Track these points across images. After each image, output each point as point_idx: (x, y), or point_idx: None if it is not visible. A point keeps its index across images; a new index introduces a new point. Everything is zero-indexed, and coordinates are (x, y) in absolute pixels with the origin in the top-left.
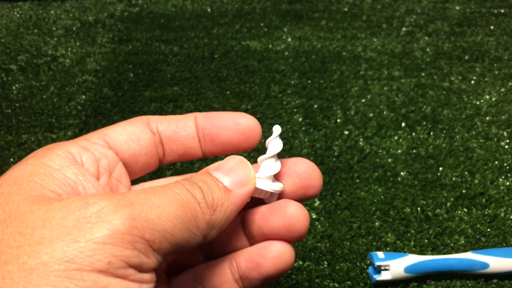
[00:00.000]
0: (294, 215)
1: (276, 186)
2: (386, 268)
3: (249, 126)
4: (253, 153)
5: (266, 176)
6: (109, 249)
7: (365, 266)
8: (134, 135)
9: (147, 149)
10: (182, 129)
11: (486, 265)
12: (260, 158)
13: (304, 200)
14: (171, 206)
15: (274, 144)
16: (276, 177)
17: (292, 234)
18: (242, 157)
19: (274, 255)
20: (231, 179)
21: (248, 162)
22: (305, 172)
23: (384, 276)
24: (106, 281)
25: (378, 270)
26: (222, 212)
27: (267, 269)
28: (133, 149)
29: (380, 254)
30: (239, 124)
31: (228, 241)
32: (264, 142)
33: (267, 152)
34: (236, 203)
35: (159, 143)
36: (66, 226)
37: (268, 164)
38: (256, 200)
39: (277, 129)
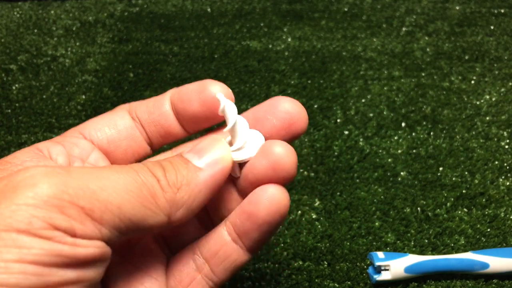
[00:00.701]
0: (279, 153)
1: (249, 153)
2: (386, 268)
3: (211, 96)
4: None
5: (237, 148)
6: (30, 211)
7: (365, 266)
8: (111, 121)
9: (127, 133)
10: (156, 109)
11: (486, 265)
12: (224, 131)
13: (292, 140)
14: (121, 180)
15: (229, 109)
16: (253, 126)
17: (279, 174)
18: (216, 135)
19: (265, 198)
20: (202, 158)
21: (223, 140)
22: (283, 111)
23: (384, 276)
24: (27, 240)
25: (378, 270)
26: (188, 192)
27: (262, 215)
28: (110, 135)
29: (380, 254)
30: (201, 93)
31: (223, 206)
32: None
33: (227, 122)
34: (207, 182)
35: (141, 127)
36: None
37: (235, 134)
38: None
39: (221, 96)
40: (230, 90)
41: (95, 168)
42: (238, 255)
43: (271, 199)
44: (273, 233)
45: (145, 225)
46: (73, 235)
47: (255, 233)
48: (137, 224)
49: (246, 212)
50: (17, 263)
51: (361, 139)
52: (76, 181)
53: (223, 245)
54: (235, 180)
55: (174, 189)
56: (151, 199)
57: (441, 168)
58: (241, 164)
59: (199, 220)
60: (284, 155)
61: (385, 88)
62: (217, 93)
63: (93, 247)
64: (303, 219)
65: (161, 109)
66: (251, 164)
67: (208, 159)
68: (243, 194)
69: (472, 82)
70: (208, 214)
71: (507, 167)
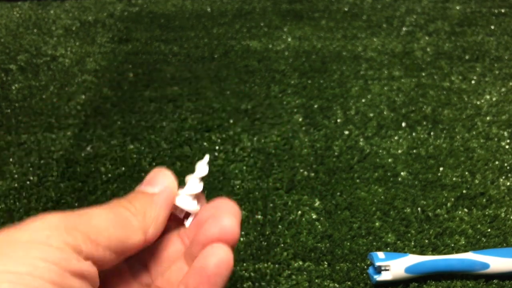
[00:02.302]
0: (226, 225)
1: (193, 207)
2: (387, 268)
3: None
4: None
5: (187, 194)
6: (46, 231)
7: (365, 267)
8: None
9: None
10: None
11: (486, 265)
12: (186, 177)
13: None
14: (103, 213)
15: (201, 167)
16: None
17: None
18: (162, 168)
19: (213, 253)
20: (155, 186)
21: (168, 172)
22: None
23: (385, 276)
24: (48, 249)
25: (379, 270)
26: (152, 213)
27: (211, 268)
28: None
29: (381, 255)
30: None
31: (175, 276)
32: None
33: (194, 173)
34: (161, 202)
35: None
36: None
37: (192, 184)
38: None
39: (206, 157)
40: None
41: (87, 209)
42: None
43: (218, 254)
44: (221, 286)
45: (129, 243)
46: (79, 252)
47: (205, 287)
48: (123, 242)
49: (197, 268)
50: (42, 262)
51: (361, 139)
52: (72, 216)
53: None
54: (186, 250)
55: (141, 214)
56: (128, 223)
57: (441, 168)
58: (186, 215)
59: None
60: (230, 226)
61: (385, 88)
62: (206, 155)
63: (90, 269)
64: (303, 219)
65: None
66: (204, 229)
67: (159, 186)
68: (192, 259)
69: (473, 82)
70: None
71: (508, 167)
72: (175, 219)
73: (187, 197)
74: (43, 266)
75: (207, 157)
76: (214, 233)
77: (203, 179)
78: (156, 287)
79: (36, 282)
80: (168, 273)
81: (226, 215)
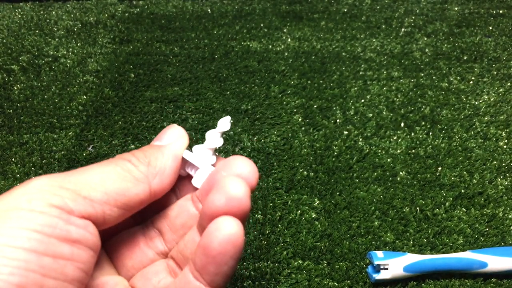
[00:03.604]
0: (235, 191)
1: (201, 162)
2: (385, 267)
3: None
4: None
5: (205, 148)
6: (29, 195)
7: (364, 266)
8: None
9: None
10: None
11: (484, 264)
12: (206, 133)
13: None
14: (98, 167)
15: (223, 123)
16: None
17: (234, 209)
18: (173, 124)
19: (217, 230)
20: (163, 139)
21: (178, 127)
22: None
23: (384, 275)
24: (30, 214)
25: (377, 269)
26: (159, 162)
27: (214, 247)
28: None
29: (379, 254)
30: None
31: (187, 248)
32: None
33: (215, 129)
34: (168, 153)
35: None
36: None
37: (211, 138)
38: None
39: (228, 117)
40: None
41: (79, 168)
42: None
43: (222, 230)
44: (231, 265)
45: (131, 195)
46: (69, 212)
47: (211, 267)
48: (123, 195)
49: (201, 246)
50: (23, 230)
51: (360, 139)
52: (60, 175)
53: (187, 284)
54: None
55: (145, 164)
56: (127, 174)
57: (440, 168)
58: (199, 175)
59: (168, 270)
60: (239, 192)
61: (384, 89)
62: (226, 118)
63: (85, 230)
64: (303, 218)
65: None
66: (209, 199)
67: (168, 139)
68: (203, 231)
69: (471, 82)
70: (177, 261)
71: (506, 167)
72: (190, 181)
73: (199, 153)
74: (22, 234)
75: (228, 117)
76: (219, 205)
77: (224, 135)
78: (171, 258)
79: (17, 253)
80: (183, 244)
81: (234, 182)
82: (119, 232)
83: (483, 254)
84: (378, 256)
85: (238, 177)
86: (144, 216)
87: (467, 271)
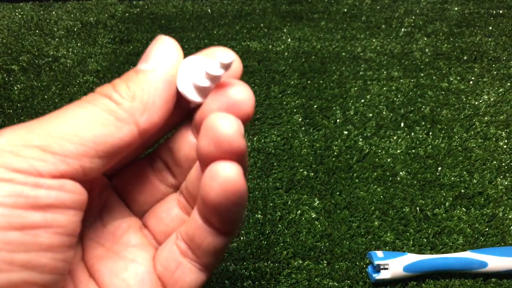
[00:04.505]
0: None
1: (196, 96)
2: (385, 267)
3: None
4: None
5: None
6: None
7: (364, 266)
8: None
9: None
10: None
11: (484, 264)
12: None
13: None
14: (71, 111)
15: (216, 67)
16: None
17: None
18: (162, 37)
19: (213, 178)
20: (149, 61)
21: (169, 41)
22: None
23: (384, 275)
24: None
25: (377, 269)
26: (144, 94)
27: (212, 198)
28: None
29: (379, 253)
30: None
31: (192, 181)
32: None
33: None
34: (156, 80)
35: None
36: None
37: (208, 65)
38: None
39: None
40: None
41: (52, 112)
42: (211, 239)
43: (217, 179)
44: (236, 212)
45: (115, 141)
46: (38, 174)
47: (215, 217)
48: (105, 143)
49: (200, 198)
50: None
51: (360, 139)
52: (27, 128)
53: (197, 229)
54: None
55: (129, 98)
56: (108, 116)
57: (439, 168)
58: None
59: (181, 207)
60: (228, 131)
61: (384, 89)
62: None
63: (60, 191)
64: (303, 218)
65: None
66: (198, 144)
67: (155, 60)
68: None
69: (471, 82)
70: (188, 198)
71: (505, 167)
72: (185, 106)
73: (191, 84)
74: None
75: (231, 55)
76: (209, 147)
77: (216, 79)
78: (182, 193)
79: None
80: (190, 181)
81: (221, 118)
82: (126, 165)
83: (483, 254)
84: (378, 256)
85: (229, 108)
86: (147, 144)
87: (467, 271)
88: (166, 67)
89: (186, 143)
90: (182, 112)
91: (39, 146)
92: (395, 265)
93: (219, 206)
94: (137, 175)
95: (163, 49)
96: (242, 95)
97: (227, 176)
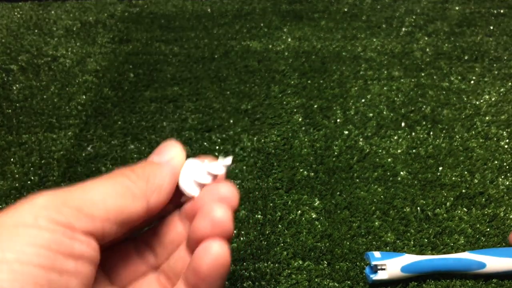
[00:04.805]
0: (218, 216)
1: (193, 191)
2: (383, 267)
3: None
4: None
5: (193, 179)
6: (33, 212)
7: (364, 266)
8: None
9: None
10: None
11: (483, 265)
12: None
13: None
14: (98, 184)
15: (219, 167)
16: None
17: (219, 232)
18: (171, 140)
19: (206, 253)
20: (161, 156)
21: (176, 144)
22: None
23: (381, 275)
24: (36, 231)
25: (375, 269)
26: (157, 179)
27: (204, 270)
28: None
29: (377, 254)
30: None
31: (179, 265)
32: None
33: (211, 167)
34: (166, 171)
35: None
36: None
37: (200, 171)
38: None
39: (230, 158)
40: None
41: (80, 183)
42: None
43: (210, 254)
44: (220, 283)
45: (130, 212)
46: (73, 229)
47: (203, 286)
48: (122, 212)
49: (191, 268)
50: (30, 246)
51: (361, 139)
52: (63, 192)
53: None
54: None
55: (144, 180)
56: (127, 191)
57: (440, 168)
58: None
59: (160, 285)
60: (222, 217)
61: (384, 88)
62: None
63: (87, 246)
64: (303, 218)
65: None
66: (195, 225)
67: (166, 156)
68: (192, 251)
69: (472, 82)
70: (168, 277)
71: (507, 167)
72: (176, 200)
73: (191, 180)
74: (31, 251)
75: (230, 159)
76: (205, 228)
77: (215, 177)
78: (163, 272)
79: (25, 268)
80: (173, 261)
81: (217, 206)
82: (112, 245)
83: (482, 254)
84: (376, 256)
85: (221, 201)
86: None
87: (465, 272)
88: (174, 163)
89: (172, 230)
90: (171, 206)
91: (75, 207)
92: (392, 265)
93: (208, 278)
94: (121, 255)
95: (173, 149)
96: (230, 191)
97: (218, 252)
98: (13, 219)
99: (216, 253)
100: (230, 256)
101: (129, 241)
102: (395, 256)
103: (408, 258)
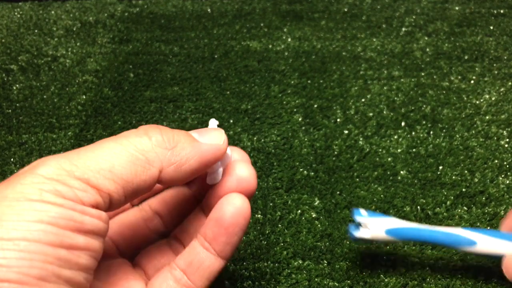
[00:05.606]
0: (242, 174)
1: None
2: (367, 226)
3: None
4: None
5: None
6: (38, 186)
7: (364, 265)
8: None
9: None
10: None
11: (473, 243)
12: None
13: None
14: (110, 146)
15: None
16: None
17: (243, 189)
18: (220, 129)
19: (229, 203)
20: (203, 137)
21: (223, 132)
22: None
23: (364, 233)
24: (43, 206)
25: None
26: (183, 153)
27: (227, 218)
28: None
29: (363, 212)
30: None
31: (193, 227)
32: None
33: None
34: (202, 152)
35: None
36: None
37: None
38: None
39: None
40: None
41: (90, 145)
42: (210, 262)
43: (234, 204)
44: (240, 236)
45: (139, 181)
46: (82, 203)
47: (223, 237)
48: (131, 182)
49: (213, 219)
50: (37, 223)
51: (361, 139)
52: (70, 159)
53: (196, 255)
54: (205, 200)
55: (168, 145)
56: (139, 156)
57: (440, 167)
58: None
59: (171, 248)
60: (247, 175)
61: (384, 88)
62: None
63: (98, 219)
64: (303, 218)
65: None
66: (222, 182)
67: (207, 139)
68: (209, 211)
69: (472, 81)
70: (179, 241)
71: (507, 166)
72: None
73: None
74: (38, 227)
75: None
76: (231, 184)
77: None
78: (174, 237)
79: (32, 246)
80: (186, 224)
81: (243, 166)
82: (118, 213)
83: (474, 232)
84: (361, 213)
85: (245, 161)
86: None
87: (453, 247)
88: (214, 149)
89: (182, 194)
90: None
91: (81, 178)
92: (377, 225)
93: (230, 227)
94: (127, 221)
95: (218, 135)
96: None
97: (242, 203)
98: (17, 193)
99: (240, 203)
100: (250, 210)
101: (135, 208)
102: (381, 216)
103: (395, 222)
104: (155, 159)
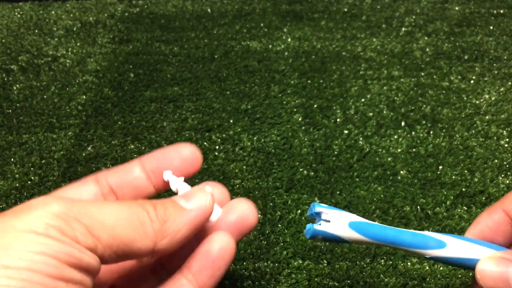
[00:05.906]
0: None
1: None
2: (328, 219)
3: (191, 153)
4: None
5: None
6: (45, 220)
7: (364, 265)
8: (77, 193)
9: (94, 199)
10: (129, 173)
11: (442, 244)
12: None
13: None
14: (115, 208)
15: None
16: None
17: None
18: (205, 187)
19: (218, 239)
20: (189, 202)
21: (209, 192)
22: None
23: (325, 226)
24: (47, 240)
25: (319, 221)
26: (174, 225)
27: (215, 251)
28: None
29: (322, 204)
30: (181, 152)
31: (180, 256)
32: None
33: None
34: (191, 220)
35: (110, 193)
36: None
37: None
38: None
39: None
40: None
41: (95, 201)
42: None
43: (222, 241)
44: (222, 271)
45: (134, 248)
46: (81, 244)
47: (208, 270)
48: (127, 245)
49: (200, 252)
50: (40, 255)
51: (360, 138)
52: (79, 206)
53: (179, 287)
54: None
55: (161, 221)
56: (140, 226)
57: (440, 167)
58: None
59: (155, 276)
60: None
61: (384, 88)
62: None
63: (93, 259)
64: (303, 218)
65: (133, 173)
66: (223, 218)
67: (194, 203)
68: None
69: (472, 81)
70: (164, 267)
71: (507, 166)
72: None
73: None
74: (41, 260)
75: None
76: (232, 220)
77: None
78: (159, 263)
79: (35, 277)
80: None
81: (243, 203)
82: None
83: (444, 234)
84: (322, 205)
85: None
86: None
87: (421, 252)
88: (198, 214)
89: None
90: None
91: (85, 225)
92: (339, 217)
93: (216, 261)
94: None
95: (203, 197)
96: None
97: (229, 241)
98: (25, 224)
99: (227, 240)
100: (235, 249)
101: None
102: (342, 210)
103: (360, 218)
104: (151, 232)
